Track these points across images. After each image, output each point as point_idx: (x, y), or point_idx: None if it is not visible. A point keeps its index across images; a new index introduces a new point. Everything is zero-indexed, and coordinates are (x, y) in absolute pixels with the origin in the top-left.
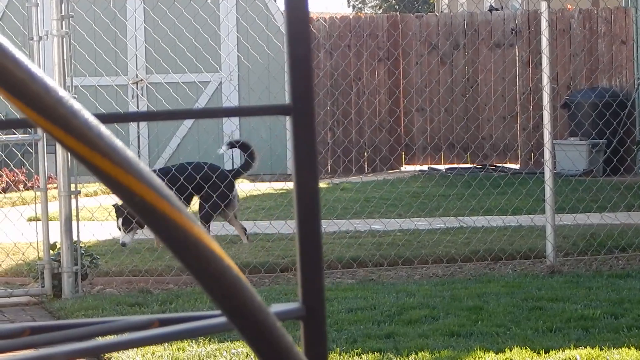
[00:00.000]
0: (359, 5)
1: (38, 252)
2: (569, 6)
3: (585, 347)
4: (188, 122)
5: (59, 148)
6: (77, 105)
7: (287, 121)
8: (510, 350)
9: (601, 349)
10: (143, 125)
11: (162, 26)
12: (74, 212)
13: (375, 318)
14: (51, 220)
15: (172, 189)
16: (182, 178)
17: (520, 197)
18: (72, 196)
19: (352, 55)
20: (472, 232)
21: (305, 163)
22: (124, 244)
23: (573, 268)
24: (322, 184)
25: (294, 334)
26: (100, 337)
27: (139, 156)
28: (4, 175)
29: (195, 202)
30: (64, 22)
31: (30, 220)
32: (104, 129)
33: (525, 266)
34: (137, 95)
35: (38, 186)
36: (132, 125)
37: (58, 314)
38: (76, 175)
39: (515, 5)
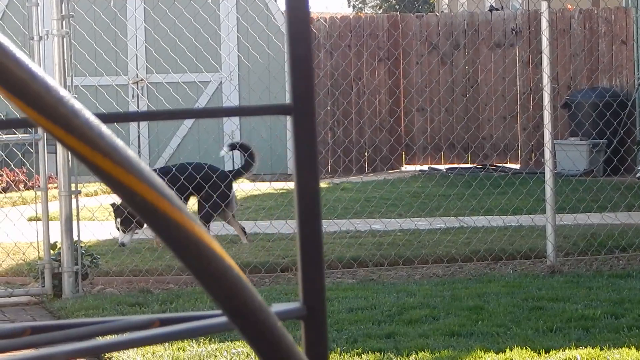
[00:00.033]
0: (359, 5)
1: (38, 252)
2: (569, 6)
3: (586, 347)
4: (188, 122)
5: (59, 148)
6: (77, 104)
7: (288, 121)
8: (511, 350)
9: (601, 349)
10: (143, 125)
11: (163, 26)
12: (74, 212)
13: (375, 318)
14: (51, 220)
15: (172, 189)
16: (182, 178)
17: (520, 197)
18: (73, 196)
19: (352, 55)
20: (472, 232)
21: (306, 163)
22: (122, 244)
23: (573, 268)
24: (323, 184)
25: (295, 333)
26: (100, 337)
27: (140, 156)
28: (5, 175)
29: (194, 202)
30: (64, 22)
31: (30, 220)
32: (104, 129)
33: (526, 266)
34: (138, 95)
35: (38, 186)
36: (133, 125)
37: (58, 313)
38: (76, 174)
39: (515, 5)
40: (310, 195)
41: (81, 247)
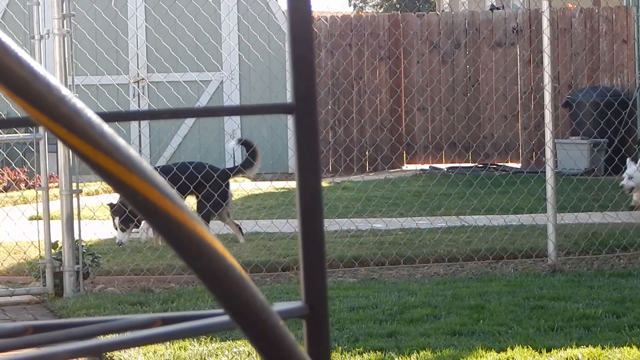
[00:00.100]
0: (360, 4)
1: (39, 251)
2: (570, 5)
3: (587, 346)
4: (189, 121)
5: (60, 147)
6: (79, 104)
7: (289, 120)
8: (512, 349)
9: (603, 348)
10: (144, 124)
11: (164, 25)
12: (75, 211)
13: (376, 317)
14: (53, 219)
15: (173, 188)
16: (183, 177)
17: (521, 196)
18: (74, 195)
19: (353, 55)
20: (473, 231)
21: (307, 162)
22: (120, 243)
23: (574, 267)
24: (324, 183)
25: (296, 332)
26: (102, 336)
27: (141, 155)
28: (6, 174)
29: (193, 202)
30: (65, 21)
31: (31, 219)
32: (106, 128)
33: (527, 265)
34: (139, 94)
35: (39, 185)
36: (134, 124)
37: (60, 312)
38: (77, 174)
39: (516, 4)
40: (312, 194)
41: (82, 246)
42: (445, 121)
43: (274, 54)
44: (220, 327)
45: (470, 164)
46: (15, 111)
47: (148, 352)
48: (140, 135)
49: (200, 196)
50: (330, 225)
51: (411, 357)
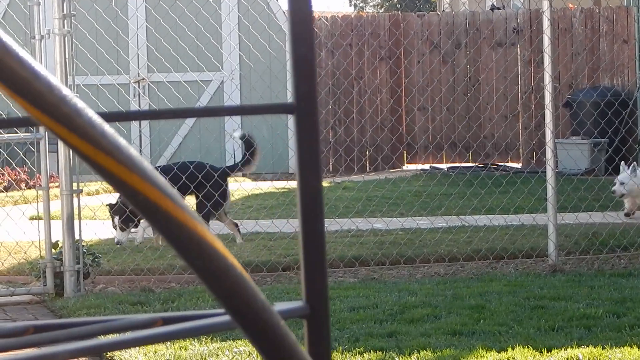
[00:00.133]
0: (361, 5)
1: (40, 251)
2: (570, 5)
3: (588, 346)
4: (190, 121)
5: (60, 147)
6: (80, 103)
7: (290, 120)
8: (513, 349)
9: (603, 348)
10: (145, 124)
11: (164, 25)
12: (75, 211)
13: (377, 317)
14: (53, 219)
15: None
16: (183, 177)
17: (522, 196)
18: (74, 195)
19: (353, 54)
20: (474, 231)
21: (308, 162)
22: (119, 243)
23: (575, 267)
24: (324, 183)
25: (296, 332)
26: (102, 336)
27: (141, 155)
28: (6, 174)
29: (191, 201)
30: (65, 21)
31: (32, 219)
32: (107, 128)
33: (527, 265)
34: (139, 94)
35: (40, 185)
36: (134, 124)
37: (60, 312)
38: (78, 174)
39: (517, 4)
40: (312, 194)
41: (83, 246)
42: (445, 121)
43: (275, 54)
44: (221, 327)
45: (470, 164)
46: (15, 111)
47: (149, 352)
48: (140, 135)
49: (200, 196)
50: (331, 225)
51: (412, 357)
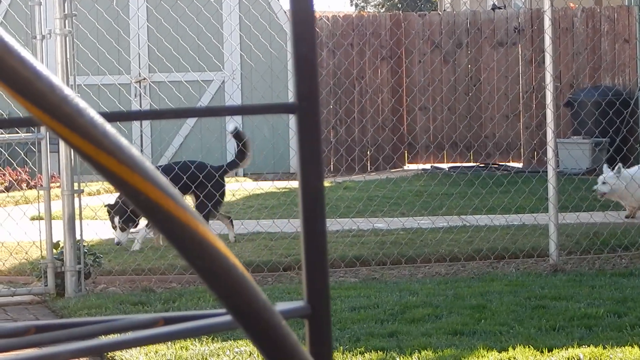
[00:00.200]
0: (362, 4)
1: (41, 251)
2: (572, 4)
3: (589, 346)
4: (191, 121)
5: (62, 147)
6: (82, 103)
7: (291, 120)
8: (514, 349)
9: (604, 348)
10: (146, 124)
11: (165, 25)
12: (77, 211)
13: (378, 317)
14: (54, 219)
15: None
16: (184, 176)
17: (523, 195)
18: (75, 195)
19: (355, 54)
20: (475, 231)
21: (310, 162)
22: (118, 243)
23: (576, 267)
24: (325, 183)
25: (298, 332)
26: (103, 336)
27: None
28: (7, 174)
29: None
30: (67, 21)
31: (33, 219)
32: (109, 128)
33: (528, 265)
34: (140, 94)
35: (41, 185)
36: (135, 124)
37: (61, 312)
38: (79, 174)
39: (518, 4)
40: (314, 194)
41: (84, 246)
42: (447, 121)
43: (276, 54)
44: (222, 327)
45: (471, 164)
46: (17, 111)
47: (149, 352)
48: (142, 135)
49: (201, 196)
50: (332, 225)
51: (412, 357)
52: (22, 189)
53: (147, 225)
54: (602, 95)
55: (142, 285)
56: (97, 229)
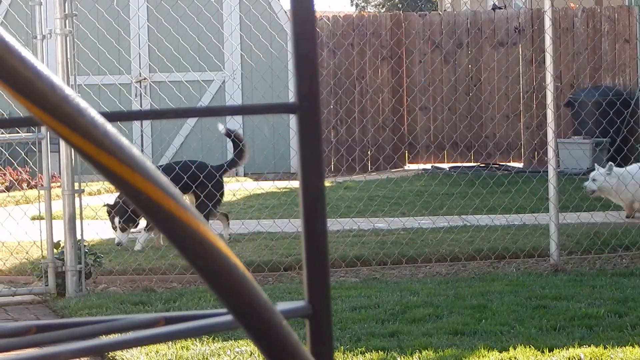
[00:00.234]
0: (362, 4)
1: (42, 251)
2: (572, 5)
3: (589, 346)
4: (191, 121)
5: (62, 146)
6: (83, 103)
7: (292, 120)
8: (514, 349)
9: (605, 348)
10: (147, 123)
11: (166, 25)
12: (77, 211)
13: (379, 317)
14: (55, 219)
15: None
16: (185, 176)
17: (523, 195)
18: (76, 195)
19: (355, 54)
20: (475, 231)
21: (310, 161)
22: (119, 244)
23: (577, 266)
24: (326, 183)
25: (298, 332)
26: (104, 336)
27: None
28: (8, 174)
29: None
30: (67, 21)
31: (33, 219)
32: (110, 127)
33: (529, 265)
34: (141, 93)
35: (42, 185)
36: (136, 124)
37: (62, 312)
38: (80, 173)
39: (518, 4)
40: (314, 193)
41: (84, 246)
42: (447, 121)
43: (276, 54)
44: (223, 327)
45: (472, 164)
46: (17, 111)
47: (150, 352)
48: (142, 135)
49: (202, 196)
50: (333, 224)
51: (413, 357)
52: (22, 188)
53: (146, 227)
54: (602, 95)
55: (142, 285)
56: (98, 228)
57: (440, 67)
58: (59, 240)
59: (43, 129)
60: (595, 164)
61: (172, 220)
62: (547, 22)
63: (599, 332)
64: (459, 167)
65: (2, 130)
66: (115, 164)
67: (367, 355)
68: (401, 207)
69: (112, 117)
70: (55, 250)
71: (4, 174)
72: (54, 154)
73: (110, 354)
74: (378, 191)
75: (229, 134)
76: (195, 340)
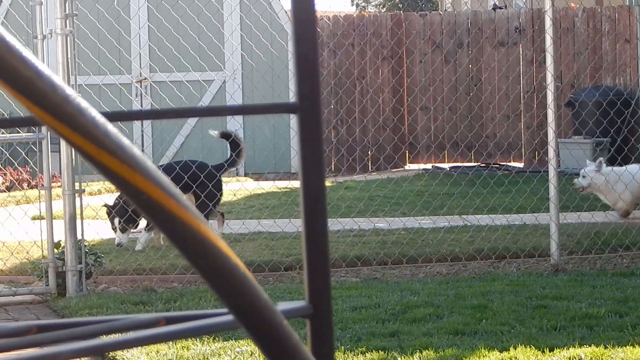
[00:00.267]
0: (363, 4)
1: (42, 251)
2: (572, 4)
3: (590, 346)
4: (192, 121)
5: (63, 146)
6: (83, 103)
7: (292, 120)
8: (515, 349)
9: (605, 348)
10: (147, 123)
11: (166, 25)
12: (78, 211)
13: (379, 316)
14: (55, 218)
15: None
16: (185, 176)
17: (524, 195)
18: (76, 195)
19: (355, 54)
20: (476, 231)
21: (311, 161)
22: (119, 244)
23: (577, 266)
24: (326, 183)
25: (299, 332)
26: (105, 336)
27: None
28: (8, 174)
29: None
30: (68, 21)
31: (34, 218)
32: (110, 127)
33: (530, 265)
34: (141, 93)
35: (42, 185)
36: (136, 124)
37: (62, 312)
38: (80, 173)
39: (519, 4)
40: (315, 193)
41: (85, 245)
42: (447, 121)
43: (277, 54)
44: (224, 327)
45: (472, 164)
46: (18, 111)
47: (151, 352)
48: (143, 135)
49: (202, 195)
50: (333, 224)
51: (414, 357)
52: (23, 188)
53: (147, 227)
54: (603, 95)
55: (143, 285)
56: (98, 228)
57: (440, 67)
58: (60, 240)
59: (44, 128)
60: (587, 160)
61: (173, 220)
62: (548, 22)
63: (599, 332)
64: (460, 167)
65: (2, 130)
66: (116, 163)
67: (368, 355)
68: (402, 207)
69: (112, 117)
70: (55, 250)
71: (5, 174)
72: (55, 154)
73: (111, 354)
74: (379, 191)
75: (224, 135)
76: (196, 340)
